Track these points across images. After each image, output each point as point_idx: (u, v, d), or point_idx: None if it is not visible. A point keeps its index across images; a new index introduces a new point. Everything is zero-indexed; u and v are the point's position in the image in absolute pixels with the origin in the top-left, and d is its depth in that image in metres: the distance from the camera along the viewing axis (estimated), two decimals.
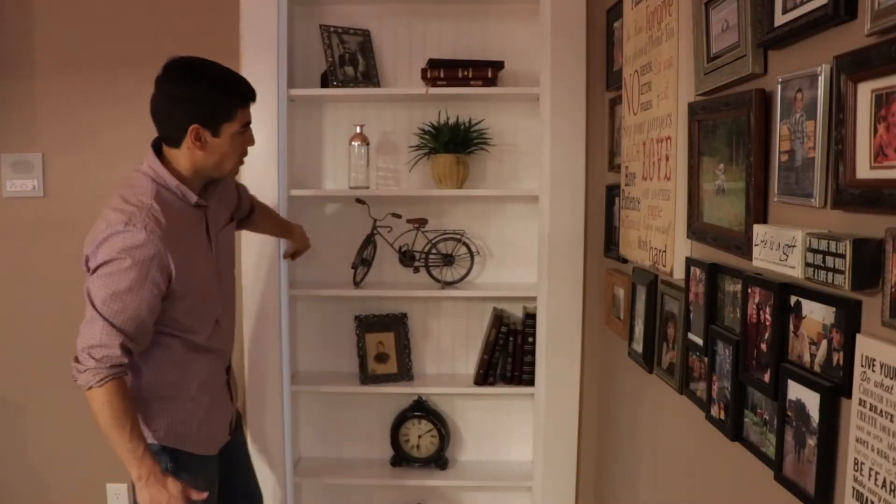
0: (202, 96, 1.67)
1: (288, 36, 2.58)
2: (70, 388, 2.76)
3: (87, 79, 2.64)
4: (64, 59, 2.64)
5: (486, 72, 2.52)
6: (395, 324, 2.72)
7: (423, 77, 2.55)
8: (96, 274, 1.60)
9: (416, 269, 2.66)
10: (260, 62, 2.46)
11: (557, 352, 2.56)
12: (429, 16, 2.66)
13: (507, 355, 2.63)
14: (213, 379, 1.86)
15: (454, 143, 2.55)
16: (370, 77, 2.61)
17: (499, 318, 2.63)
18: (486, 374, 2.62)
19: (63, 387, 2.79)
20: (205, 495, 1.70)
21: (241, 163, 1.82)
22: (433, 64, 2.54)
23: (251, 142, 1.80)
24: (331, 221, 2.74)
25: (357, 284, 2.61)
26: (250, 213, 2.18)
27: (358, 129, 2.57)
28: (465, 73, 2.51)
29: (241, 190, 2.12)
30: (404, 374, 2.68)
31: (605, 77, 2.46)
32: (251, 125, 1.79)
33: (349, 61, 2.57)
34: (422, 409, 2.72)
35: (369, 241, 2.62)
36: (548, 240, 2.53)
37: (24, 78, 2.65)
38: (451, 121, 2.60)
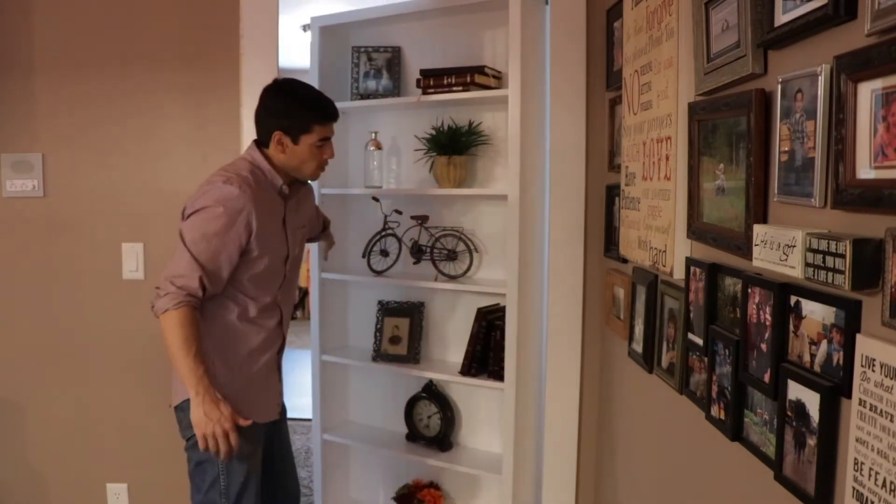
0: (287, 109, 2.00)
1: (330, 58, 2.88)
2: (70, 388, 2.77)
3: (87, 78, 2.65)
4: (64, 58, 2.64)
5: (465, 77, 2.61)
6: (413, 311, 2.92)
7: (418, 86, 2.69)
8: (191, 218, 1.87)
9: (418, 261, 2.83)
10: (260, 62, 2.48)
11: (557, 351, 2.57)
12: (449, 28, 2.79)
13: (489, 349, 2.69)
14: (262, 352, 2.02)
15: (452, 146, 2.66)
16: (391, 89, 2.85)
17: (482, 313, 2.71)
18: (470, 365, 2.72)
19: (63, 387, 2.79)
20: (250, 422, 1.88)
21: (322, 170, 2.09)
22: (424, 73, 2.68)
23: (330, 154, 2.06)
24: (355, 216, 3.01)
25: (379, 273, 2.84)
26: (322, 230, 2.51)
27: (373, 136, 2.80)
28: (450, 79, 2.63)
29: (320, 212, 2.46)
30: (412, 357, 2.87)
31: (605, 77, 2.46)
32: (331, 140, 2.06)
33: (374, 76, 2.88)
34: (429, 391, 2.89)
35: (381, 235, 2.83)
36: (548, 239, 2.54)
37: (23, 77, 2.65)
38: (450, 125, 2.71)
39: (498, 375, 2.65)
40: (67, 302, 2.76)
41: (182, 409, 1.93)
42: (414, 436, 2.96)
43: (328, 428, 3.04)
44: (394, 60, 2.90)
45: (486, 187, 2.75)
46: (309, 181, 2.18)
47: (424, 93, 2.68)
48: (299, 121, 1.99)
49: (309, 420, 3.69)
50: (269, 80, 2.50)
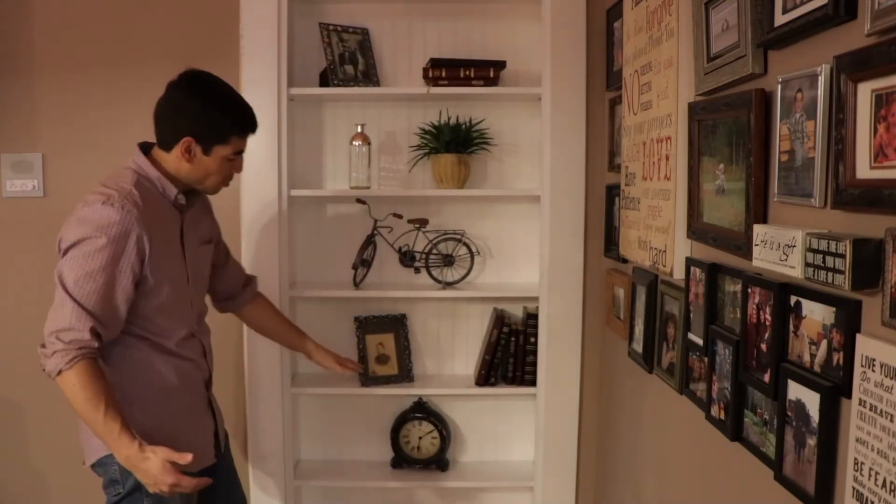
0: (204, 113, 1.71)
1: (296, 34, 2.60)
2: None
3: (87, 79, 2.64)
4: (64, 59, 2.64)
5: (487, 71, 2.51)
6: (395, 325, 2.70)
7: (425, 76, 2.54)
8: (69, 255, 1.59)
9: (417, 270, 2.65)
10: (260, 62, 2.46)
11: (557, 352, 2.56)
12: (428, 15, 2.66)
13: (509, 355, 2.61)
14: (185, 390, 1.78)
15: (456, 142, 2.55)
16: (370, 76, 2.60)
17: (500, 319, 2.62)
18: (488, 375, 2.60)
19: None
20: (189, 457, 1.57)
21: (225, 185, 1.84)
22: (435, 63, 2.52)
23: (238, 169, 1.83)
24: (331, 222, 2.74)
25: (357, 285, 2.60)
26: (245, 286, 2.11)
27: (359, 129, 2.55)
28: (467, 72, 2.50)
29: (223, 243, 2.08)
30: (405, 375, 2.67)
31: (605, 77, 2.46)
32: (243, 154, 1.82)
33: (349, 60, 2.57)
34: (422, 410, 2.70)
35: (370, 242, 2.61)
36: (549, 240, 2.53)
37: (23, 78, 2.64)
38: (452, 121, 2.59)
39: (524, 382, 2.60)
40: None
41: (101, 464, 1.69)
42: (401, 461, 2.70)
43: (302, 470, 2.71)
44: (365, 44, 2.60)
45: (498, 187, 2.68)
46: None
47: (435, 84, 2.52)
48: (217, 129, 1.71)
49: None
50: (270, 80, 2.46)
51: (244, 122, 1.77)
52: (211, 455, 1.88)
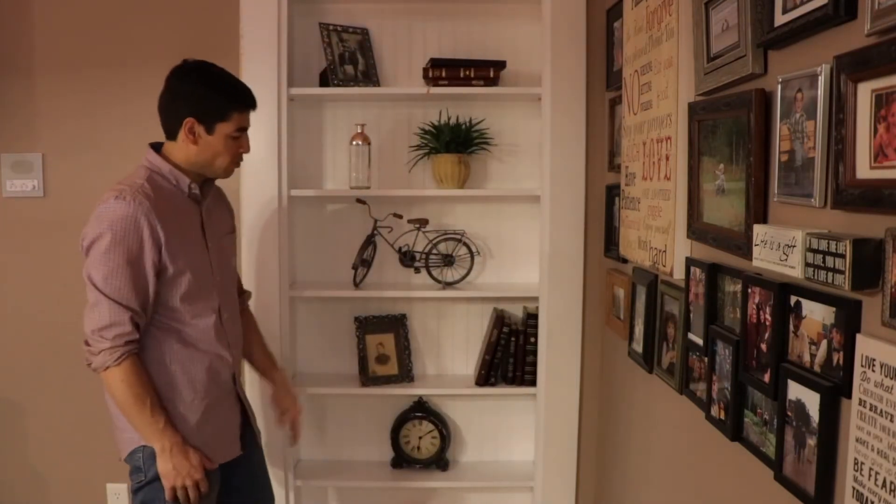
0: (201, 93, 1.77)
1: (296, 34, 2.60)
2: (70, 388, 2.77)
3: (87, 79, 2.64)
4: (64, 59, 2.64)
5: (487, 71, 2.52)
6: (395, 325, 2.70)
7: (425, 76, 2.54)
8: (91, 253, 1.67)
9: (417, 270, 2.65)
10: (260, 62, 2.46)
11: (557, 352, 2.56)
12: (428, 15, 2.66)
13: (509, 355, 2.61)
14: (211, 383, 1.82)
15: (456, 142, 2.55)
16: (370, 76, 2.61)
17: (500, 319, 2.62)
18: (488, 375, 2.60)
19: (63, 387, 2.79)
20: (216, 466, 1.77)
21: (237, 165, 1.87)
22: (435, 63, 2.52)
23: (246, 148, 1.85)
24: (331, 222, 2.74)
25: (357, 285, 2.60)
26: (239, 294, 2.08)
27: (359, 129, 2.55)
28: (467, 72, 2.51)
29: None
30: (405, 375, 2.67)
31: (605, 77, 2.46)
32: (248, 132, 1.85)
33: (349, 60, 2.58)
34: (422, 410, 2.71)
35: (370, 242, 2.62)
36: (549, 240, 2.53)
37: (24, 78, 2.64)
38: (452, 121, 2.59)
39: (524, 382, 2.60)
40: (67, 302, 2.76)
41: (130, 454, 1.76)
42: (401, 461, 2.71)
43: (302, 469, 2.69)
44: (365, 44, 2.61)
45: (499, 188, 2.68)
46: (218, 180, 1.92)
47: (435, 84, 2.52)
48: (216, 107, 1.76)
49: None
50: (270, 80, 2.47)
51: (240, 96, 1.81)
52: (237, 448, 1.91)
